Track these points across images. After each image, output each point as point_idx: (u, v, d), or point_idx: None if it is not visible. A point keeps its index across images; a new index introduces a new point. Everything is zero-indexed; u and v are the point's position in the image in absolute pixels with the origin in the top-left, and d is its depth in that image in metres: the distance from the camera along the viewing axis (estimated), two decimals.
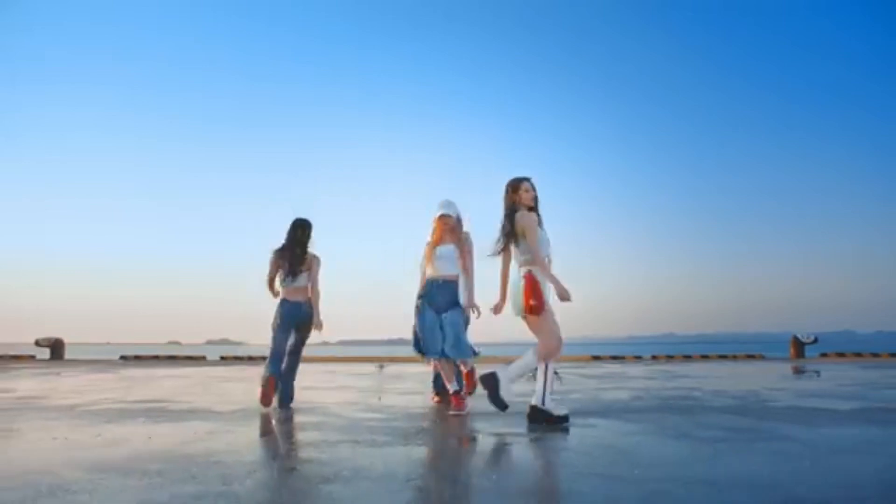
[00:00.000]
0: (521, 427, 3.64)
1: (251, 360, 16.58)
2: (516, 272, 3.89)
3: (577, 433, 3.41)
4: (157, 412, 4.46)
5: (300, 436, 3.42)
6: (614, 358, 16.51)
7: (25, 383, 7.47)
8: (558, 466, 2.61)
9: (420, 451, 2.88)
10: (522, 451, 2.96)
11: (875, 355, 17.07)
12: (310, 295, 4.93)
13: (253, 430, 3.63)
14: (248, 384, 7.36)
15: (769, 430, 3.44)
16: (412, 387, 6.83)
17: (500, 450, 2.99)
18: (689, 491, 2.05)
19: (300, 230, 4.95)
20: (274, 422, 4.02)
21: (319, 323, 4.89)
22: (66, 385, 7.18)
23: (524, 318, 3.82)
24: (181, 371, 10.61)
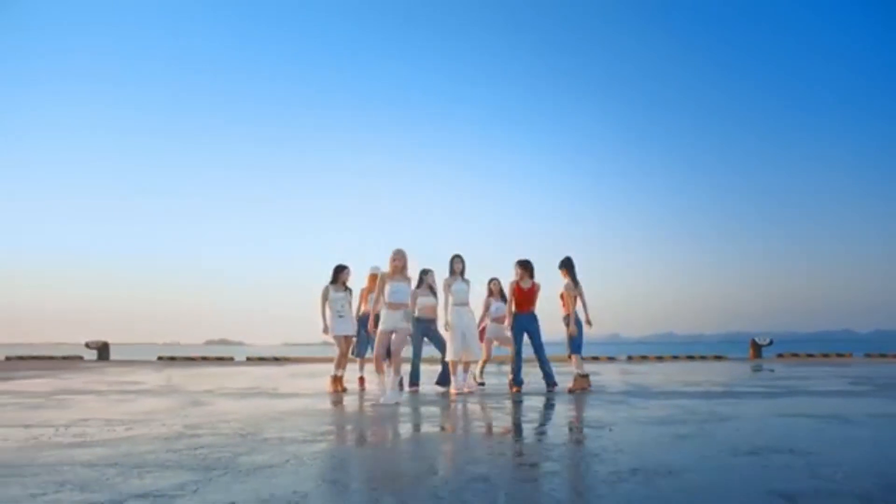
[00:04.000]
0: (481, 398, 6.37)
1: (276, 360, 19.29)
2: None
3: (508, 400, 6.12)
4: (262, 394, 7.14)
5: (371, 402, 6.12)
6: (594, 358, 19.19)
7: (136, 377, 10.13)
8: (487, 410, 5.31)
9: (434, 410, 5.61)
10: (470, 406, 5.67)
11: (825, 355, 19.89)
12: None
13: (336, 401, 6.31)
14: (298, 378, 10.04)
15: (625, 400, 6.16)
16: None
17: (467, 406, 5.72)
18: (541, 421, 4.77)
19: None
20: (344, 397, 6.70)
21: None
22: (172, 378, 9.85)
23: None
24: (228, 370, 13.28)
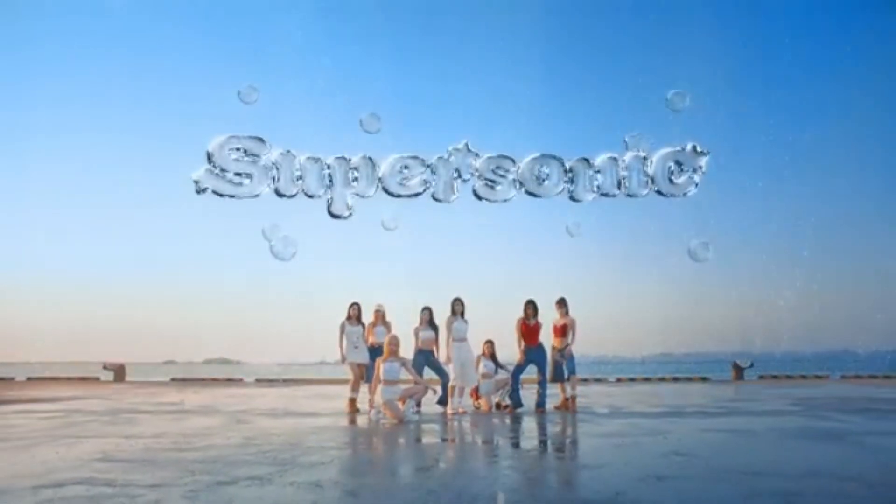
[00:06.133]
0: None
1: (285, 382, 20.47)
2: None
3: (496, 418, 7.44)
4: (289, 414, 8.43)
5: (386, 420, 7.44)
6: (583, 380, 20.40)
7: (166, 398, 11.38)
8: (475, 425, 6.62)
9: (434, 426, 6.94)
10: (463, 423, 7.00)
11: (803, 377, 21.15)
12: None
13: (352, 419, 7.61)
14: (312, 399, 11.32)
15: (592, 419, 7.48)
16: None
17: (461, 423, 7.04)
18: (515, 435, 6.11)
19: None
20: (358, 415, 7.98)
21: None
22: (202, 399, 11.12)
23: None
24: (245, 391, 14.42)
